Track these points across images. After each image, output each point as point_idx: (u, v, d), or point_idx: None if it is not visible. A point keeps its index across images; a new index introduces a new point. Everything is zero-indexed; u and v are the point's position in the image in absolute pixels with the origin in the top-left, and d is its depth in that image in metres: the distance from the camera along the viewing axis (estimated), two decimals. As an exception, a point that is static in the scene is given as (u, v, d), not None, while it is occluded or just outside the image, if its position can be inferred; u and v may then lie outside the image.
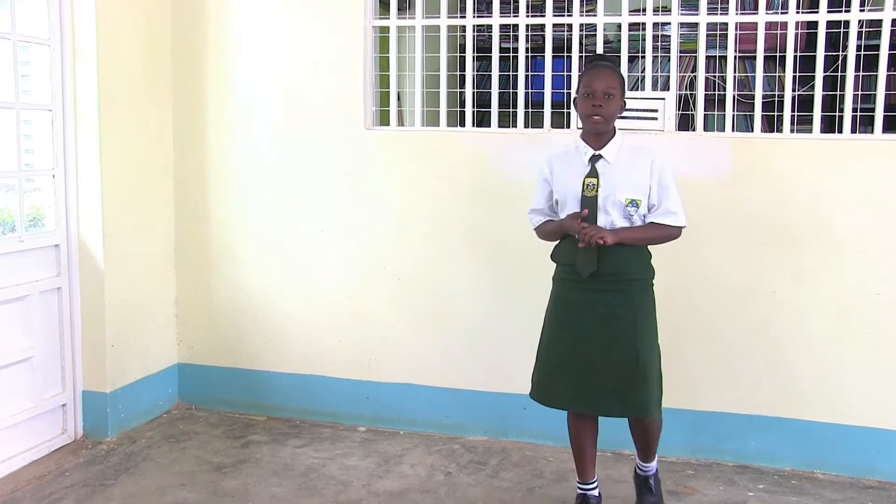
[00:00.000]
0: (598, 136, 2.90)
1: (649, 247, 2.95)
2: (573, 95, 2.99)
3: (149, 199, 4.11)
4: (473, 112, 3.90)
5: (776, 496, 3.39)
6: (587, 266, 2.86)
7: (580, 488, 3.12)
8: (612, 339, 2.87)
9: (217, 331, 4.24)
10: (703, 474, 3.57)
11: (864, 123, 3.58)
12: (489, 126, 3.88)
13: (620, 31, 3.73)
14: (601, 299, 2.88)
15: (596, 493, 3.11)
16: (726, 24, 3.61)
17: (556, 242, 3.03)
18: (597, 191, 2.86)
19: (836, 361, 3.55)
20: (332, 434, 4.00)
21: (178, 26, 4.15)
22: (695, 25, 3.67)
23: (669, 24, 3.68)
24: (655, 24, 3.68)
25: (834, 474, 3.58)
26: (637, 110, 3.64)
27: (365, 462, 3.67)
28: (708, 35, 3.63)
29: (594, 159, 2.90)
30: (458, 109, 4.01)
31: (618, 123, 3.36)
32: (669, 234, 2.93)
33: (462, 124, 3.93)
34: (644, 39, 3.68)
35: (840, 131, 3.53)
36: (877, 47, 3.46)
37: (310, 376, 4.12)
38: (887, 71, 3.46)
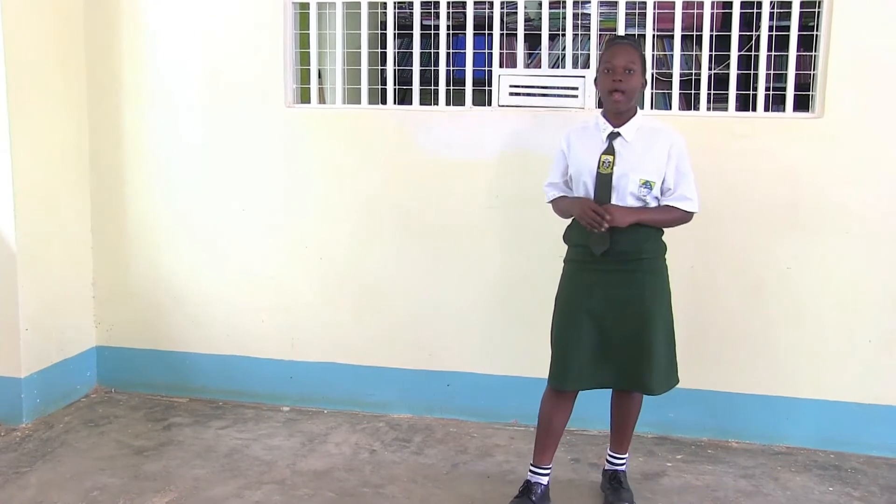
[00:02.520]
0: (618, 114, 2.88)
1: None
2: (594, 75, 2.98)
3: (63, 179, 4.00)
4: (395, 89, 3.89)
5: (693, 465, 3.49)
6: (600, 244, 2.85)
7: (532, 472, 3.06)
8: (626, 318, 2.87)
9: (136, 312, 4.18)
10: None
11: (776, 102, 3.65)
12: (411, 104, 3.87)
13: (541, 9, 3.74)
14: (614, 279, 2.88)
15: (545, 480, 3.05)
16: (645, 2, 3.65)
17: (569, 223, 3.02)
18: (612, 168, 2.84)
19: (749, 334, 3.66)
20: (255, 415, 3.98)
21: (91, 5, 4.03)
22: (614, 4, 3.70)
23: (589, 2, 3.71)
24: (576, 3, 3.70)
25: (747, 442, 3.70)
26: (557, 88, 3.67)
27: (289, 442, 3.66)
28: (627, 14, 3.67)
29: (612, 136, 2.88)
30: (380, 87, 3.99)
31: (537, 101, 3.35)
32: (682, 218, 2.94)
33: (384, 102, 3.93)
34: (564, 18, 3.70)
35: (754, 109, 3.60)
36: (788, 28, 3.53)
37: (232, 357, 4.09)
38: (798, 51, 3.54)
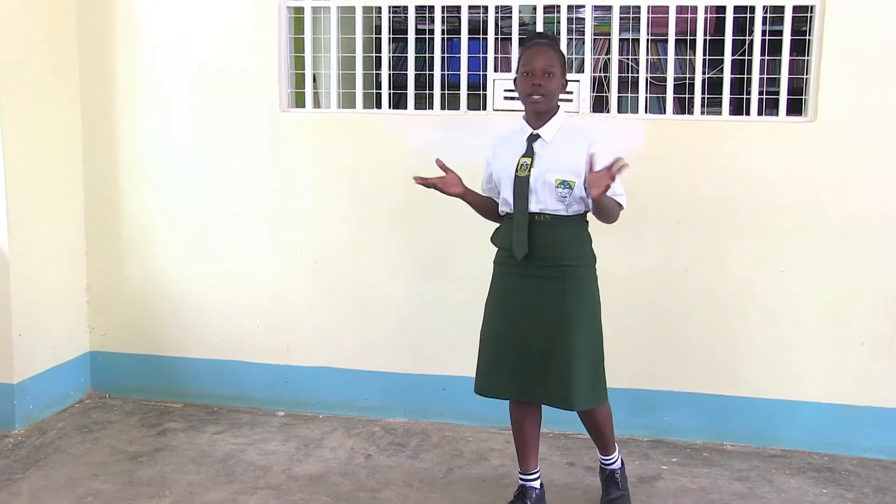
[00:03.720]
0: (538, 115, 2.84)
1: (590, 231, 2.92)
2: (514, 76, 2.94)
3: (57, 182, 3.98)
4: (390, 94, 3.88)
5: (688, 468, 3.49)
6: (521, 248, 2.80)
7: (521, 479, 3.04)
8: (543, 326, 2.81)
9: (131, 317, 4.16)
10: (620, 449, 3.60)
11: (769, 106, 3.68)
12: (406, 108, 3.87)
13: (536, 13, 3.74)
14: (535, 285, 2.83)
15: (537, 484, 3.03)
16: (639, 7, 3.66)
17: (497, 226, 2.98)
18: (529, 171, 2.79)
19: (743, 338, 3.67)
20: (250, 419, 3.96)
21: (85, 5, 4.01)
22: (608, 8, 3.71)
23: (584, 6, 3.70)
24: (570, 7, 3.70)
25: (742, 445, 3.71)
26: None
27: (284, 447, 3.65)
28: (621, 18, 3.67)
29: (532, 139, 2.85)
30: (375, 91, 3.97)
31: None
32: (618, 213, 2.87)
33: (378, 106, 3.91)
34: (559, 22, 3.69)
35: (747, 113, 3.61)
36: (781, 32, 3.55)
37: (227, 362, 4.08)
38: (790, 56, 3.56)
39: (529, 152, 2.83)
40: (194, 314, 4.08)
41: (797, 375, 3.64)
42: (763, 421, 3.67)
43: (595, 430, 3.05)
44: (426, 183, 2.89)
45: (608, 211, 2.79)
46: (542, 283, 2.81)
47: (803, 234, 3.57)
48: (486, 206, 3.02)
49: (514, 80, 2.88)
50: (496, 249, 2.96)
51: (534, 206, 2.80)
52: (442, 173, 2.93)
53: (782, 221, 3.58)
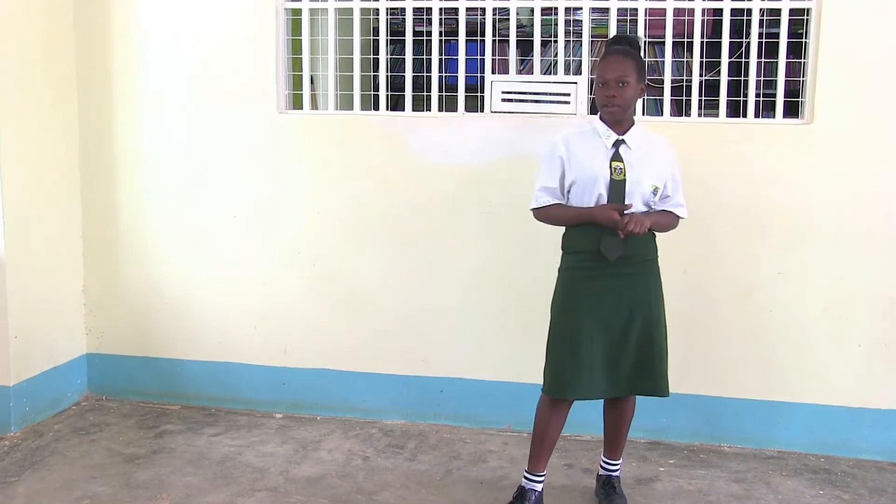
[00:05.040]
0: (618, 121, 2.87)
1: None
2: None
3: (53, 185, 3.96)
4: (387, 96, 3.87)
5: (686, 470, 3.50)
6: (615, 250, 2.83)
7: (526, 478, 3.04)
8: (636, 321, 2.88)
9: (127, 319, 4.14)
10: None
11: (766, 108, 3.67)
12: (403, 110, 3.86)
13: (533, 15, 3.74)
14: (620, 284, 2.88)
15: (539, 487, 3.04)
16: (636, 9, 3.66)
17: (565, 231, 2.96)
18: (625, 175, 2.83)
19: (740, 339, 3.67)
20: (248, 421, 3.95)
21: (82, 6, 4.00)
22: (606, 10, 3.71)
23: (581, 8, 3.70)
24: (568, 9, 3.71)
25: (739, 447, 3.71)
26: (549, 94, 3.66)
27: (282, 449, 3.64)
28: (618, 20, 3.67)
29: (617, 144, 2.87)
30: (372, 93, 3.97)
31: (530, 107, 3.46)
32: (674, 223, 2.98)
33: (376, 108, 3.91)
34: (556, 24, 3.69)
35: (744, 116, 3.61)
36: (778, 35, 3.55)
37: (224, 363, 4.07)
38: (787, 58, 3.56)
39: (619, 157, 2.85)
40: (191, 316, 4.07)
41: (794, 377, 3.65)
42: (760, 422, 3.68)
43: (618, 428, 3.09)
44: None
45: (664, 228, 2.98)
46: (629, 280, 2.89)
47: (800, 237, 3.57)
48: (569, 216, 2.95)
49: (592, 85, 2.95)
50: (562, 255, 2.97)
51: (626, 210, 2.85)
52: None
53: (779, 223, 3.58)
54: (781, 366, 3.65)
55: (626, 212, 2.80)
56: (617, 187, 2.82)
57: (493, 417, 3.85)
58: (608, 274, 2.86)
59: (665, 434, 3.76)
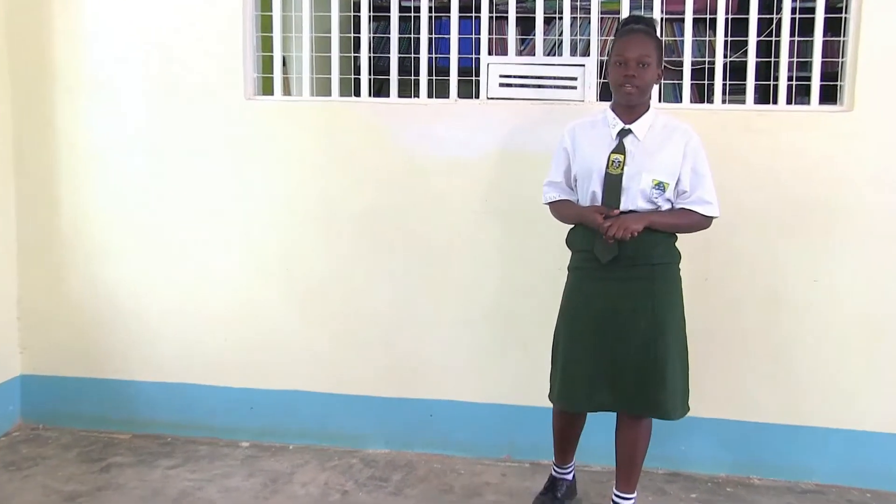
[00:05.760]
0: (629, 108, 2.79)
1: None
2: (604, 61, 2.96)
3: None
4: (370, 80, 3.66)
5: (711, 506, 3.21)
6: (607, 251, 2.75)
7: (555, 471, 3.12)
8: (635, 332, 2.77)
9: (70, 335, 3.85)
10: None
11: (799, 94, 3.47)
12: (388, 96, 3.66)
13: (535, -13, 3.53)
14: (621, 288, 2.78)
15: (569, 476, 3.13)
16: (652, -19, 3.46)
17: (572, 227, 2.93)
18: (622, 168, 2.74)
19: (770, 356, 3.41)
20: (209, 451, 3.67)
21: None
22: (618, -18, 3.52)
23: (589, -19, 3.51)
24: (574, -18, 3.51)
25: (771, 479, 3.43)
26: (554, 78, 3.47)
27: (249, 483, 3.36)
28: (633, -7, 3.48)
29: (623, 134, 2.78)
30: (353, 77, 3.77)
31: (531, 93, 3.40)
32: (699, 223, 2.84)
33: (357, 94, 3.71)
34: (562, -2, 3.51)
35: (775, 102, 3.41)
36: (813, 10, 3.33)
37: (183, 385, 3.81)
38: (824, 36, 3.34)
39: (621, 148, 2.77)
40: (146, 331, 3.81)
41: (833, 399, 3.39)
42: (795, 451, 3.41)
43: (631, 455, 2.90)
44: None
45: (679, 229, 2.84)
46: (631, 285, 2.79)
47: (838, 240, 3.34)
48: (570, 215, 2.93)
49: (605, 67, 2.88)
50: (570, 253, 2.93)
51: (623, 206, 2.76)
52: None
53: (814, 225, 3.34)
54: (818, 386, 3.39)
55: (616, 213, 2.74)
56: (612, 182, 2.75)
57: (490, 445, 3.64)
58: (608, 277, 2.80)
59: (685, 464, 3.50)
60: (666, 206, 2.78)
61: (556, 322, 2.93)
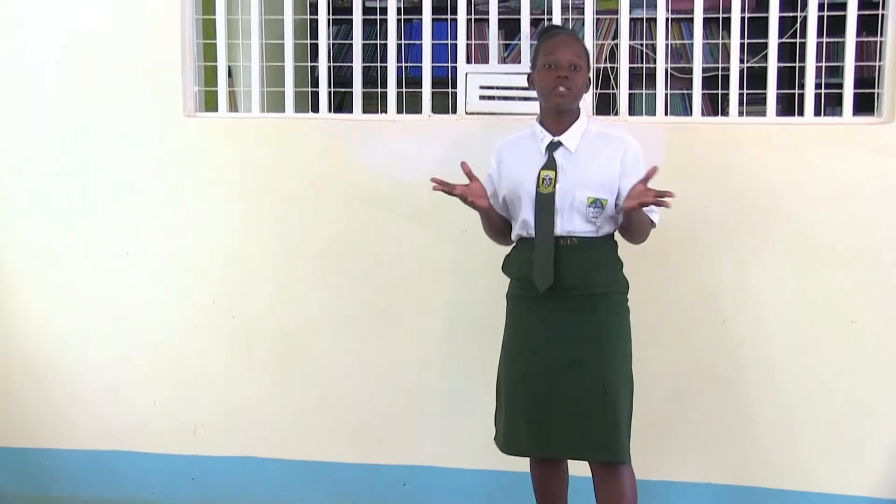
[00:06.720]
0: (559, 116, 2.64)
1: (620, 256, 2.71)
2: (529, 72, 2.73)
3: None
4: (330, 93, 3.45)
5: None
6: (544, 278, 2.61)
7: None
8: (575, 366, 2.62)
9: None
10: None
11: (830, 104, 3.25)
12: (351, 111, 3.44)
13: (520, -16, 3.30)
14: (562, 318, 2.64)
15: None
16: (656, -24, 3.26)
17: (507, 251, 2.81)
18: (554, 186, 2.60)
19: (797, 411, 3.12)
20: (142, 531, 3.32)
21: None
22: (616, -22, 3.31)
23: (583, -24, 3.29)
24: (565, -22, 3.30)
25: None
26: None
27: (187, 568, 3.02)
28: (632, -11, 3.30)
29: (552, 147, 2.64)
30: (310, 89, 3.57)
31: (515, 106, 3.21)
32: (649, 225, 2.69)
33: (315, 109, 3.49)
34: (550, -2, 3.32)
35: (801, 114, 3.18)
36: (844, 6, 3.09)
37: (111, 453, 3.52)
38: (857, 36, 3.08)
39: (551, 164, 2.64)
40: (66, 390, 3.53)
41: (861, 463, 3.11)
42: None
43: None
44: (450, 191, 2.66)
45: (639, 229, 2.66)
46: (572, 316, 2.64)
47: (875, 276, 3.07)
48: (502, 228, 2.81)
49: (529, 76, 2.74)
50: (508, 281, 2.78)
51: (559, 229, 2.60)
52: (467, 180, 2.70)
53: (848, 256, 3.07)
54: (846, 449, 3.11)
55: (549, 225, 2.62)
56: (544, 202, 2.61)
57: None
58: (547, 306, 2.66)
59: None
60: (607, 227, 2.62)
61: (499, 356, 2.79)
